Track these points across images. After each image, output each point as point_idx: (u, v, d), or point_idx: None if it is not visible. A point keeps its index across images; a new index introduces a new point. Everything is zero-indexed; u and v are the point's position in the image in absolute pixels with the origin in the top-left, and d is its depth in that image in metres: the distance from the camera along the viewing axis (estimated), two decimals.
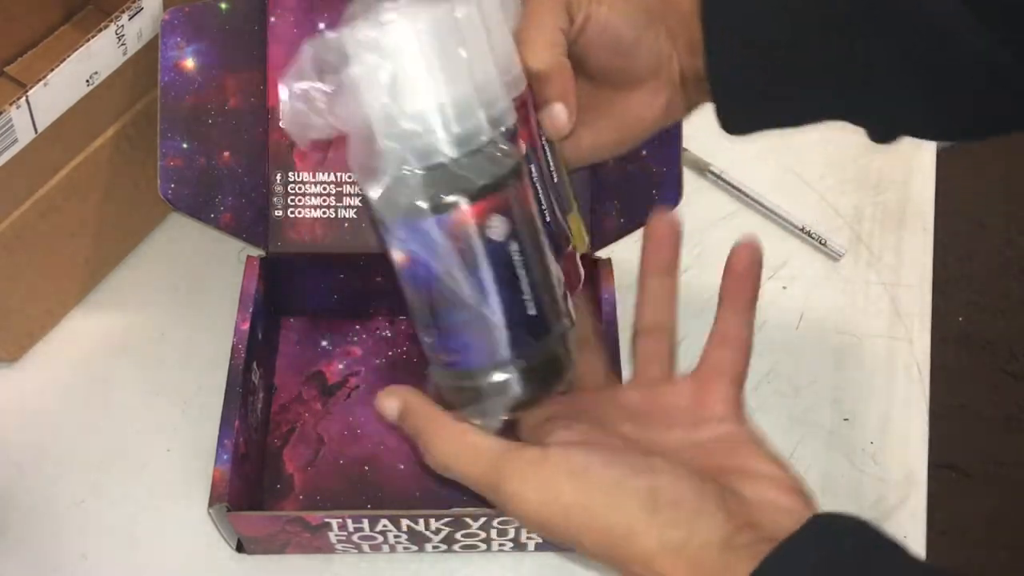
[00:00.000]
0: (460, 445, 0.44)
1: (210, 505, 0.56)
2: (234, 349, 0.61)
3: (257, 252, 0.64)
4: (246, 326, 0.62)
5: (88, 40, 0.59)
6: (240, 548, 0.61)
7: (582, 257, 0.54)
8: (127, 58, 0.63)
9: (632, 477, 0.41)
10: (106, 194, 0.67)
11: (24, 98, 0.57)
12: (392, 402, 0.46)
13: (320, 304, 0.69)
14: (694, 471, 0.42)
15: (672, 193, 0.63)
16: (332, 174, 0.63)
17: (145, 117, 0.67)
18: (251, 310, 0.62)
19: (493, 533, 0.59)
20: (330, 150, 0.63)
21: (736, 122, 0.55)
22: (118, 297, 0.71)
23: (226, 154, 0.63)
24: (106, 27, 0.60)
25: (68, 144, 0.63)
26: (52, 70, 0.58)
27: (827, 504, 0.66)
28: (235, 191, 0.63)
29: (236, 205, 0.63)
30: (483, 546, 0.61)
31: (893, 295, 0.73)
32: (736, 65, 0.53)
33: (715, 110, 0.54)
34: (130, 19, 0.61)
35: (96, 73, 0.61)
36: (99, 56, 0.61)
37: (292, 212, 0.63)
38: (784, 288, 0.73)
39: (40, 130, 0.60)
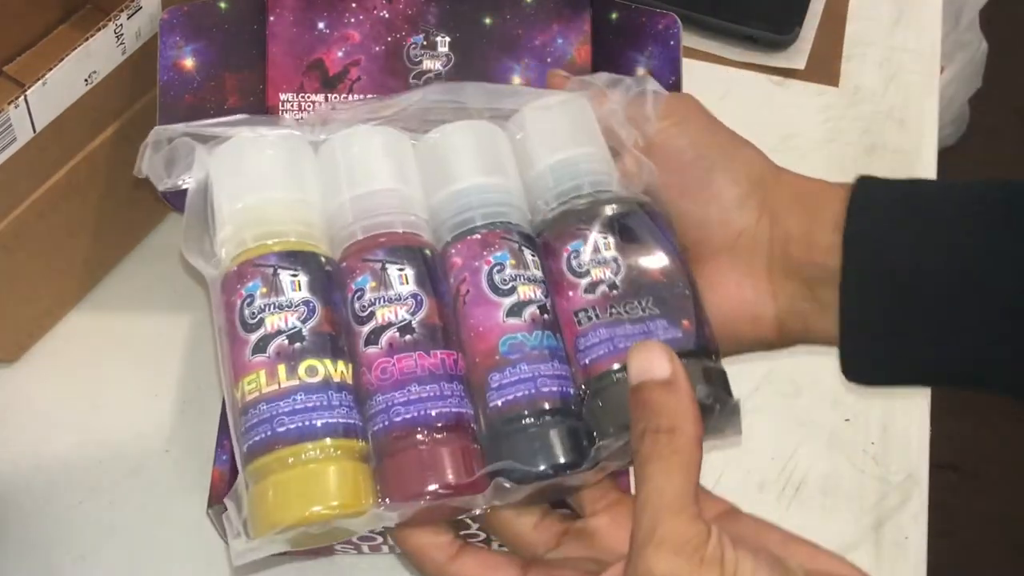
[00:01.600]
0: None
1: (209, 506, 0.56)
2: None
3: None
4: None
5: (87, 39, 0.59)
6: None
7: None
8: (126, 57, 0.63)
9: None
10: (105, 194, 0.67)
11: (22, 97, 0.57)
12: None
13: None
14: None
15: None
16: None
17: (144, 116, 0.67)
18: None
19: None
20: None
21: (860, 369, 0.47)
22: (117, 298, 0.71)
23: None
24: (105, 26, 0.60)
25: (67, 144, 0.63)
26: (50, 69, 0.58)
27: (827, 505, 0.66)
28: None
29: None
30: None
31: None
32: (876, 303, 0.45)
33: (840, 349, 0.46)
34: (129, 18, 0.61)
35: (95, 72, 0.61)
36: (98, 55, 0.61)
37: None
38: None
39: (39, 130, 0.59)
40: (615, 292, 0.44)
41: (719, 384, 0.44)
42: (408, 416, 0.41)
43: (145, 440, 0.65)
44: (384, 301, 0.42)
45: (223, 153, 0.46)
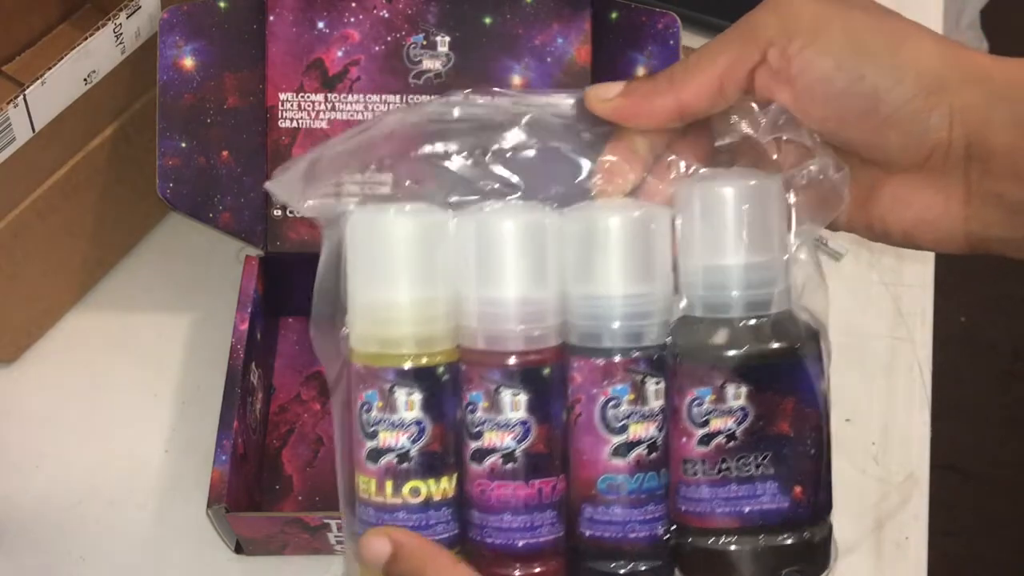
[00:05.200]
0: None
1: (209, 506, 0.56)
2: (232, 349, 0.60)
3: (256, 252, 0.64)
4: (245, 326, 0.61)
5: (86, 38, 0.59)
6: (239, 549, 0.61)
7: None
8: (125, 57, 0.63)
9: None
10: (104, 194, 0.67)
11: (21, 97, 0.57)
12: (379, 543, 0.41)
13: None
14: None
15: None
16: None
17: (144, 116, 0.66)
18: (250, 310, 0.62)
19: None
20: None
21: None
22: (116, 297, 0.71)
23: (225, 153, 0.63)
24: (104, 25, 0.60)
25: (66, 143, 0.63)
26: (49, 69, 0.58)
27: None
28: (234, 191, 0.63)
29: (235, 205, 0.63)
30: None
31: (895, 295, 0.72)
32: None
33: None
34: (128, 17, 0.61)
35: (94, 72, 0.61)
36: (97, 54, 0.61)
37: (291, 212, 0.63)
38: None
39: (38, 129, 0.59)
40: (732, 444, 0.41)
41: (819, 550, 0.43)
42: (497, 542, 0.42)
43: (145, 440, 0.65)
44: (493, 425, 0.42)
45: (359, 226, 0.43)
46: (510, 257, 0.42)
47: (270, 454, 0.65)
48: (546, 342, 0.42)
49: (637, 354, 0.42)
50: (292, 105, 0.63)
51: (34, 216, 0.63)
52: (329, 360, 0.44)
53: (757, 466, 0.42)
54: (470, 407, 0.42)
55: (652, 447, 0.42)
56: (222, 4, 0.62)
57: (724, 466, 0.42)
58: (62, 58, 0.58)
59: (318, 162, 0.44)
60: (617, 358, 0.42)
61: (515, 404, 0.42)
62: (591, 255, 0.42)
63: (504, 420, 0.42)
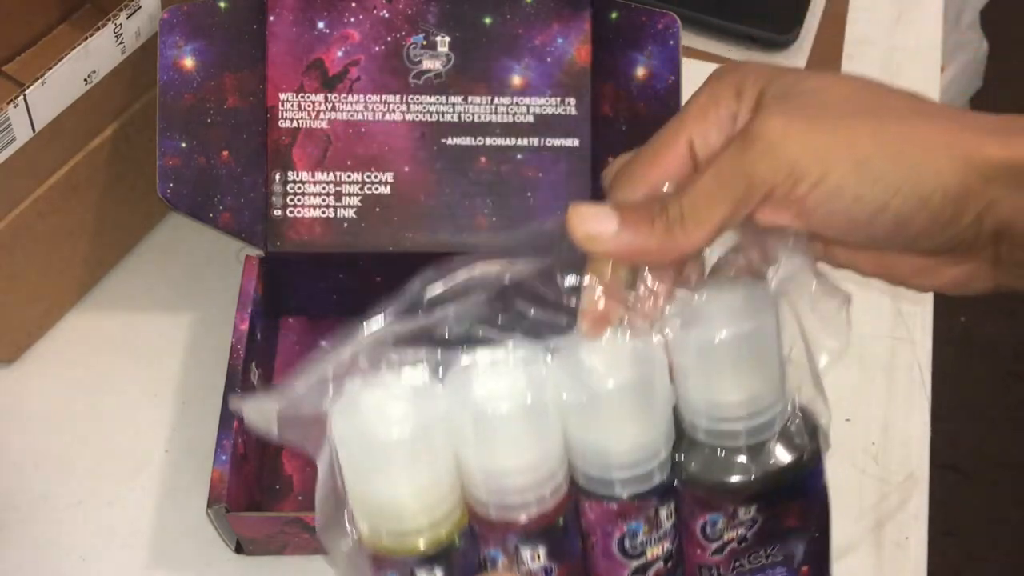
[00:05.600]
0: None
1: (209, 506, 0.56)
2: (232, 349, 0.60)
3: (256, 252, 0.64)
4: (245, 326, 0.61)
5: (86, 39, 0.59)
6: (239, 549, 0.61)
7: None
8: (125, 57, 0.63)
9: None
10: (104, 194, 0.67)
11: (22, 97, 0.57)
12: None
13: (319, 304, 0.69)
14: None
15: None
16: (331, 173, 0.63)
17: (144, 116, 0.66)
18: (250, 310, 0.62)
19: None
20: (329, 149, 0.63)
21: None
22: (116, 298, 0.71)
23: (225, 153, 0.63)
24: (104, 26, 0.60)
25: (66, 143, 0.63)
26: (50, 69, 0.58)
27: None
28: (234, 190, 0.63)
29: (235, 205, 0.63)
30: None
31: (894, 295, 0.72)
32: None
33: None
34: (128, 18, 0.61)
35: (94, 72, 0.61)
36: (97, 55, 0.61)
37: (291, 212, 0.63)
38: None
39: (38, 129, 0.59)
40: (744, 545, 0.42)
41: None
42: None
43: (145, 440, 0.65)
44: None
45: (344, 416, 0.41)
46: (511, 431, 0.41)
47: (270, 454, 0.65)
48: (557, 496, 0.42)
49: (649, 493, 0.42)
50: (292, 105, 0.63)
51: (34, 216, 0.63)
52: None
53: (767, 556, 0.42)
54: (491, 562, 0.42)
55: (668, 558, 0.43)
56: (222, 4, 0.62)
57: (737, 564, 0.42)
58: (62, 58, 0.58)
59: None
60: (629, 499, 0.42)
61: (535, 556, 0.42)
62: (594, 411, 0.41)
63: (526, 570, 0.42)
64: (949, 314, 1.49)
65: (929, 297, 0.72)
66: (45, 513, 0.62)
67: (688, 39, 0.83)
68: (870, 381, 0.69)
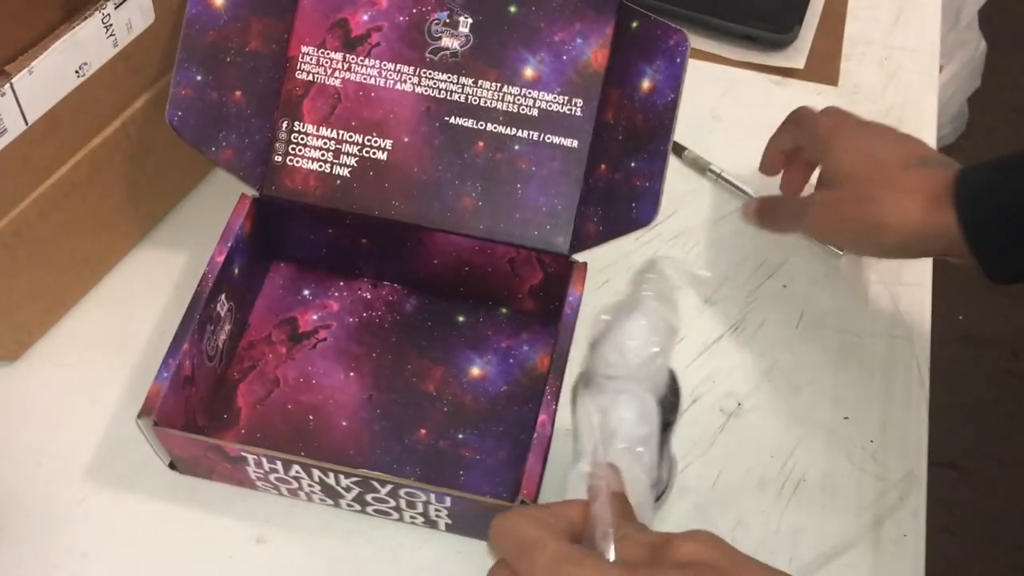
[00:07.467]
0: None
1: (139, 416, 0.57)
2: (203, 277, 0.62)
3: (251, 192, 0.65)
4: (221, 258, 0.63)
5: (73, 28, 0.59)
6: (173, 466, 0.63)
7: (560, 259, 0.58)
8: (118, 50, 0.63)
9: None
10: (106, 192, 0.67)
11: (8, 85, 0.57)
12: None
13: (309, 254, 0.71)
14: None
15: (649, 208, 0.61)
16: (335, 131, 0.65)
17: (145, 116, 0.67)
18: (230, 244, 0.63)
19: (402, 503, 0.59)
20: (338, 107, 0.64)
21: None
22: (118, 296, 0.71)
23: (238, 93, 0.64)
24: (91, 15, 0.60)
25: (66, 140, 0.63)
26: (36, 58, 0.58)
27: (826, 503, 0.66)
28: (240, 130, 0.65)
29: (239, 144, 0.65)
30: (395, 514, 0.61)
31: (893, 293, 0.73)
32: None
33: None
34: (116, 7, 0.61)
35: (86, 64, 0.61)
36: (86, 45, 0.60)
37: (291, 160, 0.65)
38: (784, 287, 0.73)
39: (31, 121, 0.59)
40: None
41: None
42: None
43: (145, 439, 0.65)
44: None
45: None
46: None
47: (228, 385, 0.66)
48: None
49: None
50: (311, 59, 0.65)
51: (36, 214, 0.63)
52: None
53: None
54: None
55: None
56: None
57: None
58: (50, 48, 0.58)
59: None
60: None
61: None
62: None
63: None
64: (947, 312, 1.49)
65: (928, 296, 0.73)
66: (46, 512, 0.63)
67: (696, 42, 0.83)
68: (869, 379, 0.69)
